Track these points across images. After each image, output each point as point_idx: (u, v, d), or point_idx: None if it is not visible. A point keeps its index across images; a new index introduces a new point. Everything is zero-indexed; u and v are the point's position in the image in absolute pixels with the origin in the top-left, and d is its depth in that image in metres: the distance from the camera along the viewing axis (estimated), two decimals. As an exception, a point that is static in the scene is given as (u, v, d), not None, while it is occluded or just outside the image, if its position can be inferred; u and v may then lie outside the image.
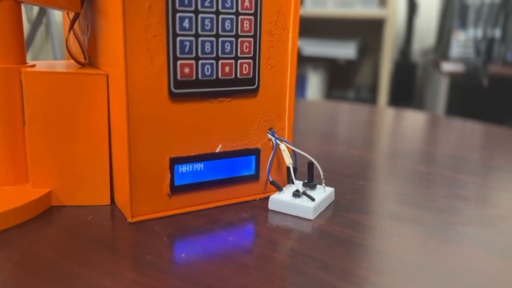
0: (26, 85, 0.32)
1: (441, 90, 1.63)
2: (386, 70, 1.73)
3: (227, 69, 0.33)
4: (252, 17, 0.33)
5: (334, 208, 0.36)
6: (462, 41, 1.62)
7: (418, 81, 1.98)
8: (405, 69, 1.90)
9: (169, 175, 0.32)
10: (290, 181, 0.38)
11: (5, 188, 0.33)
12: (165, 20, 0.30)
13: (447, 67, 1.55)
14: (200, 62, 0.32)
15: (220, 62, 0.33)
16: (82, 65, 0.37)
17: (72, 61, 0.37)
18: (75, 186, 0.34)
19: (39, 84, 0.32)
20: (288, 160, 0.37)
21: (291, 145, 0.37)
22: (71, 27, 0.37)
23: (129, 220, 0.32)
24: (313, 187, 0.37)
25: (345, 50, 1.85)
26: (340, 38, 1.89)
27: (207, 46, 0.32)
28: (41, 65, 0.34)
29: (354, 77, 2.09)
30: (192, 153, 0.33)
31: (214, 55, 0.32)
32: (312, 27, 2.00)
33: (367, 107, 0.91)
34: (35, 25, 1.54)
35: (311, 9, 1.83)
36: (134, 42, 0.29)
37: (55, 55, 1.58)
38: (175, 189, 0.33)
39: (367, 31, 1.93)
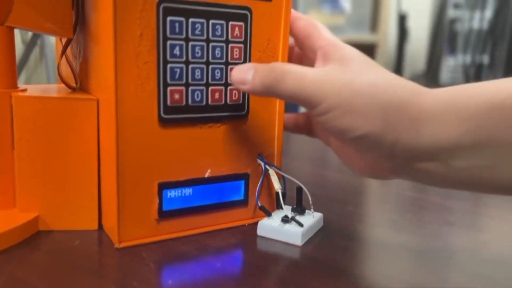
0: (17, 110, 0.32)
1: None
2: (377, 95, 1.75)
3: (217, 95, 0.34)
4: (242, 45, 0.34)
5: (323, 234, 0.36)
6: (451, 67, 1.65)
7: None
8: (396, 93, 1.92)
9: (157, 200, 0.32)
10: (279, 207, 0.38)
11: (-8, 212, 0.33)
12: (156, 47, 0.30)
13: (437, 92, 1.57)
14: (190, 88, 0.32)
15: (210, 88, 0.33)
16: (73, 89, 0.37)
17: (64, 85, 0.37)
18: (63, 211, 0.34)
19: (29, 109, 0.32)
20: (277, 186, 0.37)
21: (280, 170, 0.37)
22: (63, 52, 0.37)
23: (116, 245, 0.31)
24: (302, 212, 0.37)
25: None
26: (332, 62, 1.92)
27: (197, 73, 0.32)
28: (32, 90, 0.34)
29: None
30: (181, 178, 0.33)
31: (204, 81, 0.33)
32: (305, 52, 2.03)
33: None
34: (30, 46, 1.54)
35: (303, 34, 1.86)
36: (125, 69, 0.30)
37: (48, 77, 1.58)
38: (163, 215, 0.33)
39: (359, 56, 1.96)
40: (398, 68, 1.92)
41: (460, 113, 0.27)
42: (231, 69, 0.34)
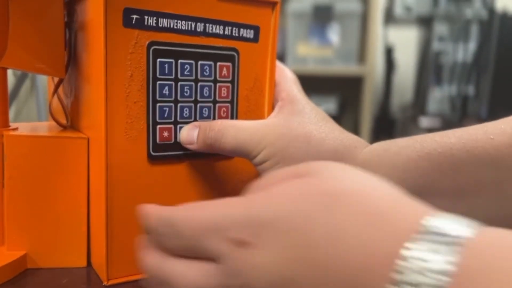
0: (8, 148, 0.32)
1: (419, 145, 1.66)
2: (366, 125, 1.77)
3: (205, 132, 0.34)
4: (229, 84, 0.35)
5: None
6: (438, 97, 1.68)
7: (397, 136, 2.02)
8: (384, 124, 1.95)
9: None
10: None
11: (-21, 251, 0.33)
12: (145, 87, 0.31)
13: (425, 121, 1.60)
14: (179, 126, 0.33)
15: (198, 126, 0.34)
16: (64, 127, 0.37)
17: (54, 123, 0.38)
18: (52, 248, 0.34)
19: (20, 148, 0.32)
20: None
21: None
22: (55, 91, 0.38)
23: (105, 283, 0.32)
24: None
25: (326, 106, 1.90)
26: (321, 94, 1.95)
27: (186, 111, 0.33)
28: (23, 128, 0.35)
29: (335, 131, 2.12)
30: (170, 215, 0.34)
31: (192, 119, 0.34)
32: (294, 83, 2.05)
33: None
34: (21, 79, 1.55)
35: (292, 67, 1.89)
36: (115, 108, 0.31)
37: (39, 109, 1.59)
38: (152, 251, 0.33)
39: (347, 88, 1.99)
40: (386, 99, 1.95)
41: (392, 163, 0.29)
42: (220, 107, 0.35)
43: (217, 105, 0.35)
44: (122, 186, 0.31)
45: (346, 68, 1.81)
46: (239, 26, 0.35)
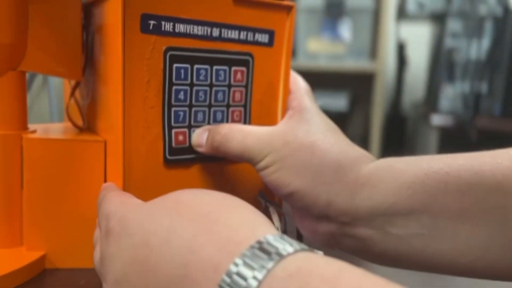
0: (27, 151, 0.33)
1: (431, 144, 1.66)
2: (377, 123, 1.77)
3: (219, 136, 0.35)
4: (243, 88, 0.35)
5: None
6: (450, 95, 1.67)
7: (409, 133, 2.01)
8: (396, 121, 1.94)
9: (162, 240, 0.33)
10: (280, 244, 0.38)
11: (-1, 250, 0.34)
12: (162, 92, 0.32)
13: (437, 119, 1.59)
14: (193, 130, 0.34)
15: (213, 129, 0.34)
16: (80, 129, 0.38)
17: (70, 124, 0.39)
18: (70, 249, 0.34)
19: (39, 150, 0.33)
20: (277, 224, 0.37)
21: (281, 208, 0.38)
22: (72, 94, 0.38)
23: (121, 284, 0.32)
24: (302, 249, 0.38)
25: (337, 102, 1.89)
26: (332, 90, 1.94)
27: (200, 115, 0.34)
28: (41, 131, 0.36)
29: (345, 128, 2.12)
30: (185, 217, 0.34)
31: (206, 123, 0.34)
32: (305, 80, 2.05)
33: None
34: (32, 75, 1.57)
35: (303, 63, 1.88)
36: (132, 113, 0.31)
37: (51, 103, 1.61)
38: (167, 253, 0.34)
39: (358, 84, 1.98)
40: (397, 96, 1.94)
41: (397, 179, 0.28)
42: (233, 111, 0.35)
43: (231, 109, 0.35)
44: (139, 189, 0.32)
45: (358, 64, 1.80)
46: (254, 30, 0.35)
